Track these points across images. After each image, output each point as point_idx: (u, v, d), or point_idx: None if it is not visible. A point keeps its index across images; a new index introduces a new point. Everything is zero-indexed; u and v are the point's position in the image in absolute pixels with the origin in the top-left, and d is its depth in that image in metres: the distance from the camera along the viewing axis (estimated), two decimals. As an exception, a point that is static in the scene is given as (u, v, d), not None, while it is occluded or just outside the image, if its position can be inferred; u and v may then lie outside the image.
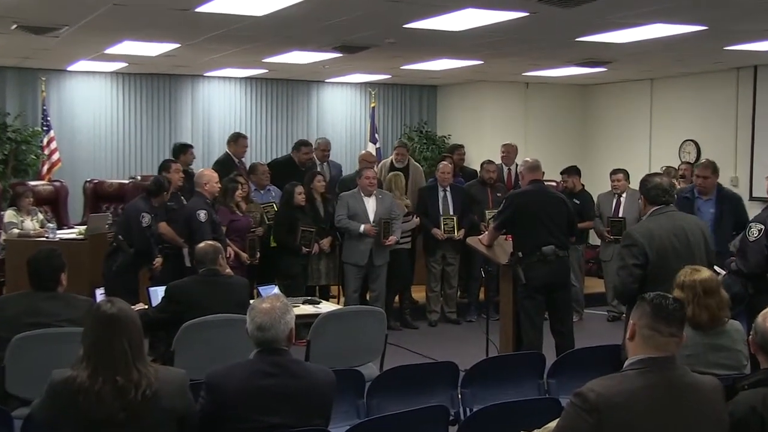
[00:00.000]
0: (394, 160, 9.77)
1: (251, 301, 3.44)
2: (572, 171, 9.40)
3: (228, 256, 7.10)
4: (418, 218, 8.87)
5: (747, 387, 3.16)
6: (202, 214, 7.08)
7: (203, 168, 8.55)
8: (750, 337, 3.29)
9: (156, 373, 3.10)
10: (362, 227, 8.20)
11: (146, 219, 7.04)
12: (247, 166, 9.15)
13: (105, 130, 12.09)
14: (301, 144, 9.47)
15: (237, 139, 9.37)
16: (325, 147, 9.65)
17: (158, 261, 7.22)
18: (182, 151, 8.95)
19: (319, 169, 9.02)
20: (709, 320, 4.08)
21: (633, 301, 3.17)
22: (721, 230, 6.97)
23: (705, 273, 4.20)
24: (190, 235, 7.10)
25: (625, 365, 2.93)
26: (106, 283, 6.62)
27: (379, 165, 9.64)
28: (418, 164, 10.44)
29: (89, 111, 11.99)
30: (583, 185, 9.45)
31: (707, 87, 11.50)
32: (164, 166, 7.82)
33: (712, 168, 7.24)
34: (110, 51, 9.50)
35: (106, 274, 7.06)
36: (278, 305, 3.34)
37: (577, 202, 9.00)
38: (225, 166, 8.84)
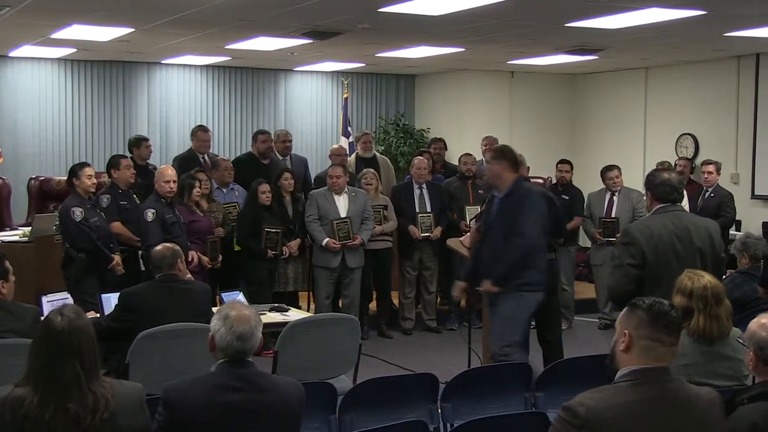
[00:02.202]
0: (360, 151, 9.79)
1: (218, 308, 3.43)
2: (570, 165, 9.47)
3: (190, 260, 7.09)
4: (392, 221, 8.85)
5: (747, 401, 3.18)
6: (150, 214, 7.08)
7: (164, 164, 8.53)
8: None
9: (112, 390, 3.08)
10: (324, 241, 8.20)
11: (77, 212, 6.99)
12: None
13: (51, 122, 11.99)
14: (258, 133, 9.47)
15: (196, 133, 9.35)
16: (285, 138, 9.62)
17: (116, 258, 7.15)
18: (135, 144, 8.92)
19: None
20: (719, 333, 4.11)
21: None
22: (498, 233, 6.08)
23: (708, 277, 4.22)
24: (140, 237, 7.12)
25: (617, 376, 2.95)
26: (71, 295, 6.59)
27: (347, 161, 9.63)
28: (386, 158, 10.45)
29: (34, 101, 11.89)
30: (571, 181, 9.51)
31: (706, 77, 11.59)
32: (112, 163, 7.77)
33: (497, 153, 6.12)
34: (57, 35, 9.43)
35: (67, 286, 7.03)
36: (249, 312, 3.36)
37: (566, 197, 9.07)
38: (187, 162, 8.81)
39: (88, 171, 7.20)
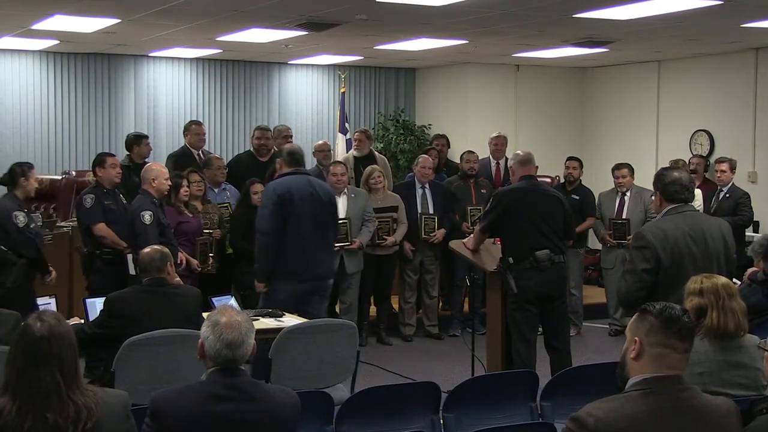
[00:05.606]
0: (354, 150, 9.76)
1: (208, 314, 3.44)
2: (578, 162, 9.47)
3: (180, 263, 7.10)
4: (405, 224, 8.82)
5: (766, 411, 3.19)
6: (147, 216, 7.05)
7: (152, 162, 8.51)
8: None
9: (96, 399, 3.08)
10: None
11: (20, 218, 6.93)
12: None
13: (32, 118, 11.99)
14: (255, 129, 9.51)
15: (190, 127, 9.38)
16: (287, 134, 9.62)
17: (53, 276, 7.15)
18: (135, 142, 8.92)
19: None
20: (735, 328, 4.11)
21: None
22: None
23: (722, 278, 4.24)
24: (134, 240, 7.09)
25: (627, 385, 2.95)
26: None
27: (343, 159, 9.61)
28: (383, 156, 10.41)
29: (13, 96, 11.88)
30: (580, 180, 9.52)
31: (722, 70, 11.60)
32: (97, 161, 7.78)
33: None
34: (38, 26, 9.43)
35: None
36: (240, 319, 3.36)
37: (576, 197, 9.07)
38: (181, 160, 8.81)
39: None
